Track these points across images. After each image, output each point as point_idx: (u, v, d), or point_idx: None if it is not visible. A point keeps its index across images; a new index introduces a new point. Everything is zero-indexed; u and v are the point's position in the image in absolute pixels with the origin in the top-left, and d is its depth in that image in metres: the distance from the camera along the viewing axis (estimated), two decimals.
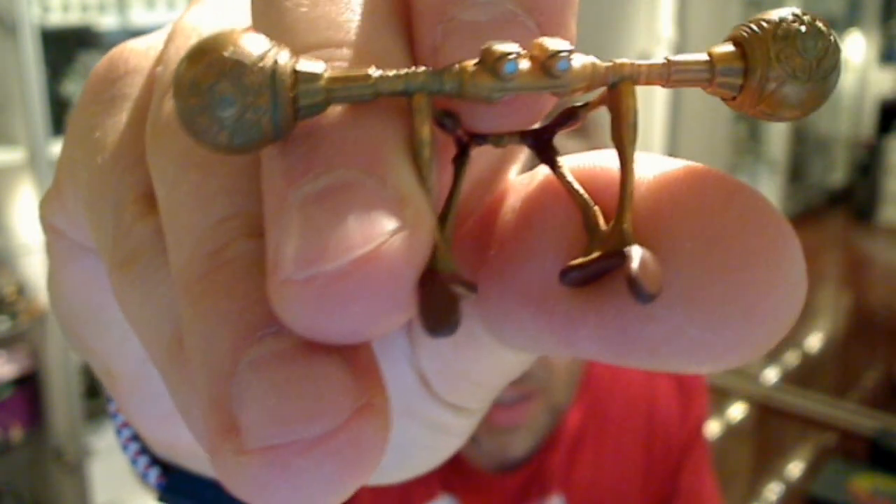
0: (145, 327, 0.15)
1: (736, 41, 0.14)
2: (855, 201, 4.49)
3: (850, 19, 4.41)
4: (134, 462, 0.27)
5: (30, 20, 1.49)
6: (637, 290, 0.12)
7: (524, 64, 0.13)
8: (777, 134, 3.90)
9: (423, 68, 0.13)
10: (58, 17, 1.61)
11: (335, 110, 0.13)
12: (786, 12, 0.14)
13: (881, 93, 4.59)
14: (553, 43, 0.13)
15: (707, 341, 0.13)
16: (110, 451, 1.71)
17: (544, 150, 0.15)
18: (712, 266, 0.13)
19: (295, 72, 0.12)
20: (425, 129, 0.13)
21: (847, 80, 4.52)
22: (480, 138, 0.15)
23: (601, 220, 0.14)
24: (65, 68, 1.67)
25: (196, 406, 0.13)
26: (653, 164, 0.14)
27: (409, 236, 0.12)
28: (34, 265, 1.63)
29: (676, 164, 0.14)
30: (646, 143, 3.07)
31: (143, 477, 0.27)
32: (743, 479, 2.35)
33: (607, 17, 2.90)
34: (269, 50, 0.12)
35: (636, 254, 0.12)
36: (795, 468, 2.39)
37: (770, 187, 3.71)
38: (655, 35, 2.95)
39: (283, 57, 0.12)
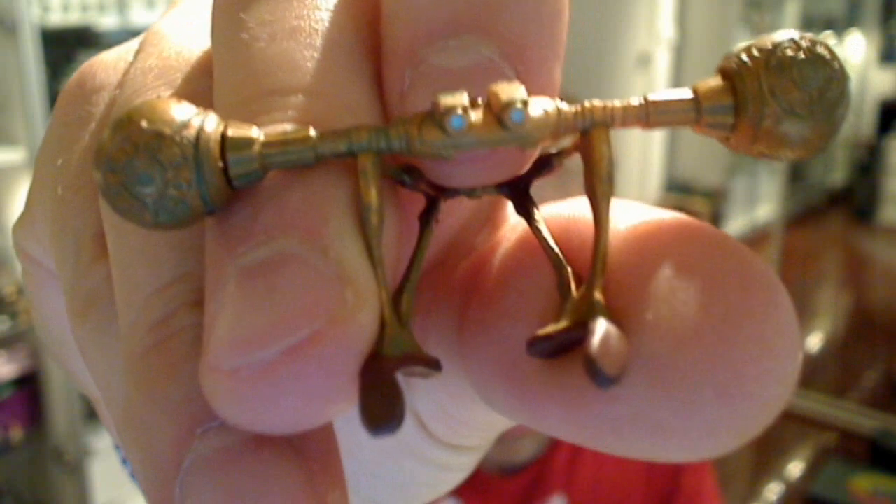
0: (101, 383, 0.14)
1: (725, 73, 0.12)
2: (855, 201, 4.49)
3: (850, 19, 4.41)
4: (133, 476, 0.26)
5: (30, 20, 1.49)
6: (594, 372, 0.11)
7: (476, 115, 0.11)
8: None
9: (367, 125, 0.12)
10: (58, 17, 1.60)
11: (278, 174, 0.12)
12: (782, 36, 0.12)
13: (881, 93, 4.59)
14: (507, 91, 0.11)
15: (676, 426, 0.11)
16: (110, 451, 1.70)
17: (520, 201, 0.14)
18: (682, 335, 0.11)
19: (223, 139, 0.11)
20: (371, 193, 0.12)
21: None
22: (451, 191, 0.13)
23: (573, 284, 0.13)
24: (65, 68, 1.67)
25: (143, 488, 0.12)
26: (630, 215, 0.13)
27: (349, 321, 0.10)
28: None
29: (654, 216, 0.13)
30: (645, 144, 3.07)
31: (133, 478, 0.26)
32: (743, 479, 2.35)
33: (607, 17, 2.89)
34: (193, 118, 0.11)
35: (599, 329, 0.11)
36: (795, 468, 2.39)
37: (770, 187, 3.71)
38: (655, 35, 2.95)
39: (210, 123, 0.11)
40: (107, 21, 1.70)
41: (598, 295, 0.12)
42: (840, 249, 4.26)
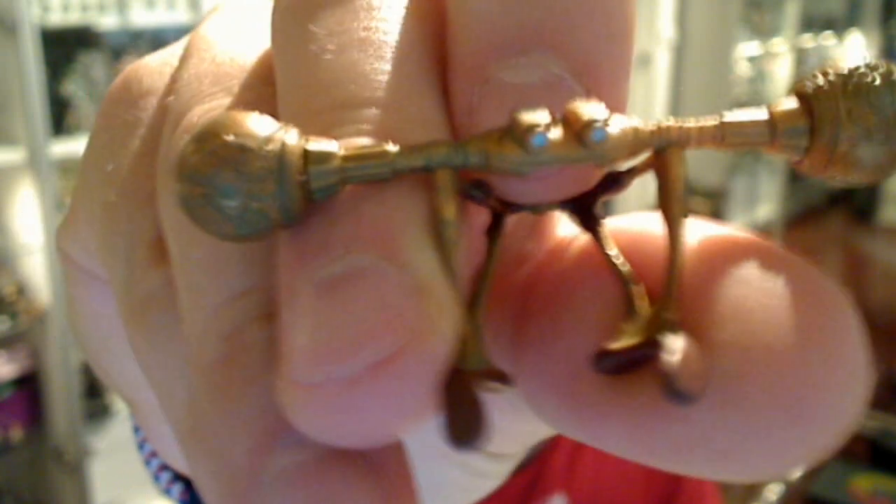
0: (159, 385, 0.14)
1: (800, 96, 0.12)
2: (855, 201, 4.49)
3: (850, 19, 4.41)
4: (157, 478, 0.26)
5: (30, 20, 1.49)
6: (672, 389, 0.10)
7: (555, 134, 0.11)
8: None
9: (445, 141, 0.12)
10: (58, 17, 1.60)
11: (354, 187, 0.12)
12: (857, 61, 0.12)
13: None
14: (587, 109, 0.11)
15: (744, 449, 0.11)
16: (110, 451, 1.71)
17: (585, 218, 0.14)
18: (755, 356, 0.11)
19: (305, 153, 0.11)
20: (449, 208, 0.12)
21: None
22: (516, 206, 0.13)
23: (643, 301, 0.13)
24: (65, 68, 1.67)
25: (211, 493, 0.12)
26: (700, 233, 0.13)
27: (431, 335, 0.10)
28: (34, 265, 1.63)
29: (725, 234, 0.13)
30: None
31: (167, 493, 0.26)
32: None
33: None
34: (276, 132, 0.11)
35: (677, 346, 0.11)
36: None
37: (770, 187, 3.71)
38: (655, 35, 2.95)
39: (292, 138, 0.11)
40: (107, 21, 1.70)
41: (672, 313, 0.12)
42: (840, 249, 4.26)
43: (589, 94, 0.12)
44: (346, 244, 0.11)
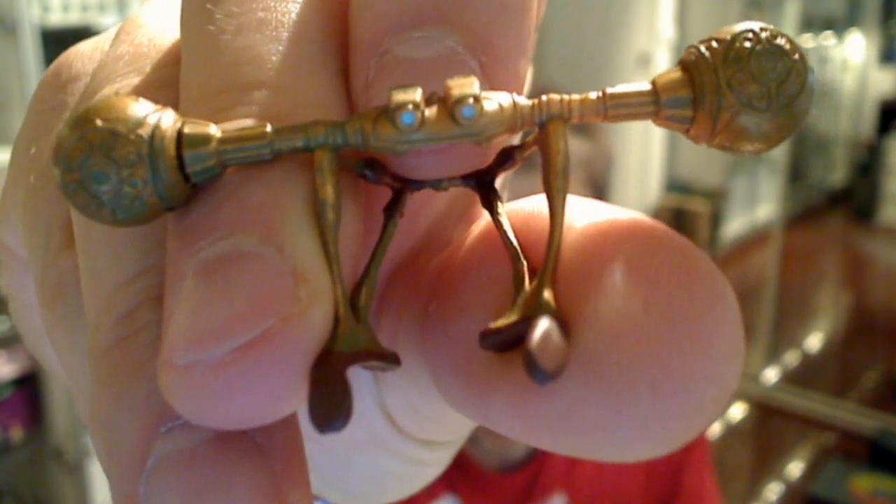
0: (70, 373, 0.14)
1: (685, 65, 0.12)
2: (855, 201, 4.48)
3: (850, 19, 4.41)
4: None
5: (30, 20, 1.49)
6: (532, 367, 0.11)
7: (431, 111, 0.12)
8: None
9: (324, 121, 0.12)
10: (58, 17, 1.60)
11: (238, 169, 0.12)
12: (743, 27, 0.12)
13: (881, 93, 4.59)
14: (460, 86, 0.11)
15: (609, 422, 0.11)
16: None
17: (486, 194, 0.14)
18: (619, 330, 0.11)
19: (179, 135, 0.12)
20: (328, 190, 0.12)
21: (847, 80, 4.51)
22: (417, 183, 0.13)
23: (527, 278, 0.13)
24: None
25: (110, 486, 0.12)
26: (586, 213, 0.13)
27: (301, 318, 0.11)
28: None
29: (610, 214, 0.13)
30: (645, 144, 3.07)
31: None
32: (743, 479, 2.35)
33: (607, 17, 2.89)
34: (149, 115, 0.11)
35: (540, 326, 0.11)
36: (795, 468, 2.39)
37: (770, 187, 3.71)
38: (655, 35, 2.95)
39: (167, 120, 0.12)
40: (107, 21, 1.70)
41: (546, 290, 0.12)
42: (840, 249, 4.26)
43: (484, 68, 0.12)
44: (228, 226, 0.11)
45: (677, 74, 0.12)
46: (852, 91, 4.61)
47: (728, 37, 0.12)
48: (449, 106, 0.11)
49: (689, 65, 0.12)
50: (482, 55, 0.12)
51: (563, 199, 0.12)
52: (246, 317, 0.10)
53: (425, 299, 0.15)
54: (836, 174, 4.69)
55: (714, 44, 0.12)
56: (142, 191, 0.11)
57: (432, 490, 0.71)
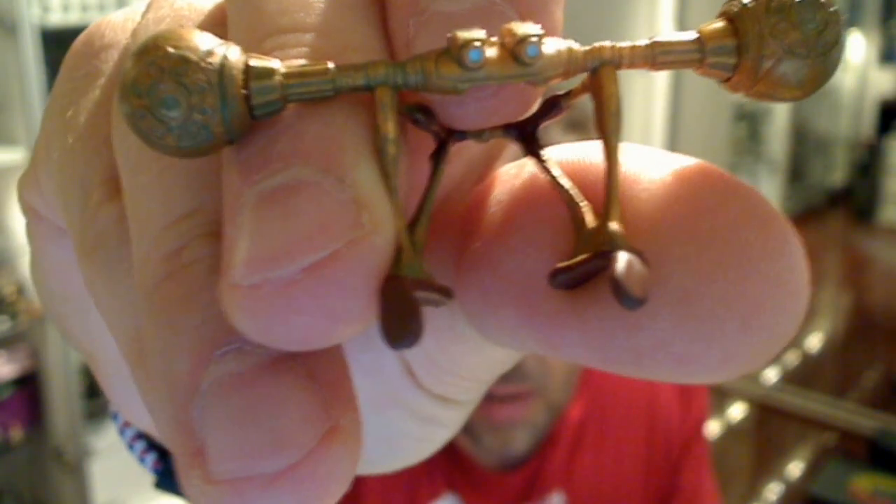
0: (112, 320, 0.15)
1: (728, 16, 0.13)
2: (855, 201, 4.49)
3: (850, 19, 4.41)
4: (131, 447, 0.26)
5: (30, 20, 1.49)
6: (622, 294, 0.11)
7: (491, 51, 0.12)
8: (777, 134, 3.90)
9: (384, 60, 0.12)
10: (58, 17, 1.60)
11: (297, 106, 0.12)
12: None
13: (881, 93, 4.59)
14: (522, 27, 0.12)
15: (698, 353, 0.12)
16: (110, 451, 1.70)
17: (529, 143, 0.15)
18: (705, 270, 0.12)
19: (247, 68, 0.12)
20: (389, 125, 0.12)
21: (847, 80, 4.52)
22: (460, 133, 0.14)
23: (588, 218, 0.13)
24: None
25: (161, 418, 0.12)
26: (644, 158, 0.14)
27: (366, 243, 0.11)
28: None
29: (670, 159, 0.14)
30: (645, 142, 3.07)
31: (141, 462, 0.26)
32: (743, 478, 2.35)
33: (607, 17, 2.90)
34: (217, 46, 0.12)
35: (622, 256, 0.12)
36: (795, 468, 2.39)
37: (770, 187, 3.71)
38: (655, 35, 2.95)
39: (234, 53, 0.12)
40: None
41: (615, 225, 0.12)
42: (840, 249, 4.26)
43: (521, 17, 0.12)
44: (286, 158, 0.11)
45: (721, 24, 0.13)
46: (852, 91, 4.61)
47: None
48: (511, 46, 0.12)
49: (733, 15, 0.13)
50: (520, 4, 0.12)
51: (618, 139, 0.13)
52: (313, 238, 0.11)
53: (453, 245, 0.15)
54: (836, 174, 4.69)
55: None
56: (209, 119, 0.12)
57: (433, 489, 0.71)
